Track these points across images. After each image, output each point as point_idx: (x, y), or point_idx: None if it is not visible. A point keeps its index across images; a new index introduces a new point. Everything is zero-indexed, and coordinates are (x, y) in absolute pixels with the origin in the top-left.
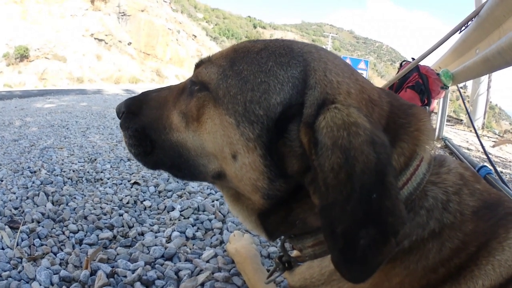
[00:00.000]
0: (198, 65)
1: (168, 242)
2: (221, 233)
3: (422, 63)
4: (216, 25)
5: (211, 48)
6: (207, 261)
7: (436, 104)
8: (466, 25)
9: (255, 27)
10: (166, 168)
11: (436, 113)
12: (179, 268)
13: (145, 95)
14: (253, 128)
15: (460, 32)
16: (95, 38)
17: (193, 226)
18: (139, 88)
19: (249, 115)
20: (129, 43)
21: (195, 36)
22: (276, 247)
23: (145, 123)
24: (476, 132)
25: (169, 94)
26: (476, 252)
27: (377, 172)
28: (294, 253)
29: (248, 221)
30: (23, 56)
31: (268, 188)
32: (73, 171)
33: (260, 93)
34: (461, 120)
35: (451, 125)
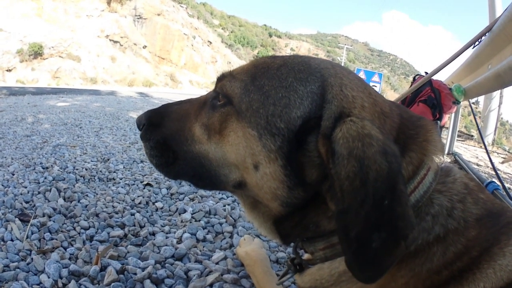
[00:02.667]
0: (220, 79)
1: (179, 243)
2: (231, 237)
3: (435, 77)
4: (231, 32)
5: (226, 55)
6: (217, 263)
7: (447, 119)
8: (479, 41)
9: (270, 36)
10: (187, 178)
11: (447, 128)
12: (189, 268)
13: (166, 107)
14: (274, 140)
15: (474, 47)
16: (110, 40)
17: (204, 229)
18: (153, 92)
19: (270, 128)
20: (144, 46)
21: (211, 43)
22: (285, 253)
23: (167, 134)
24: (485, 148)
25: (190, 107)
26: (478, 257)
27: (389, 180)
28: (305, 256)
29: (264, 227)
30: (37, 53)
31: (287, 196)
32: (86, 169)
33: (281, 107)
34: (472, 136)
35: (462, 141)
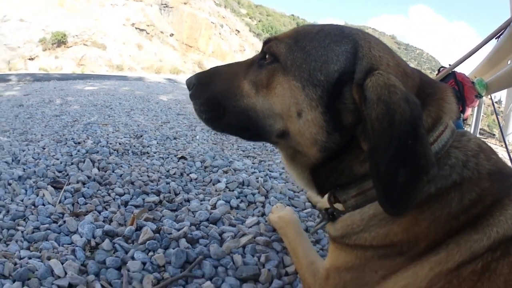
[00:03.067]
0: (266, 42)
1: (213, 209)
2: (263, 206)
3: (459, 71)
4: (259, 21)
5: (254, 44)
6: (250, 227)
7: (470, 113)
8: (499, 35)
9: (298, 26)
10: (234, 130)
11: (469, 124)
12: (223, 230)
13: (215, 69)
14: (315, 90)
15: (497, 38)
16: (136, 28)
17: (237, 198)
18: (181, 79)
19: (312, 80)
20: (171, 35)
21: (238, 31)
22: (314, 222)
23: (217, 92)
24: (506, 147)
25: (238, 68)
26: (491, 206)
27: (411, 123)
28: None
29: (301, 177)
30: (60, 41)
31: (326, 141)
32: (119, 144)
33: (321, 63)
34: (494, 134)
35: (484, 138)
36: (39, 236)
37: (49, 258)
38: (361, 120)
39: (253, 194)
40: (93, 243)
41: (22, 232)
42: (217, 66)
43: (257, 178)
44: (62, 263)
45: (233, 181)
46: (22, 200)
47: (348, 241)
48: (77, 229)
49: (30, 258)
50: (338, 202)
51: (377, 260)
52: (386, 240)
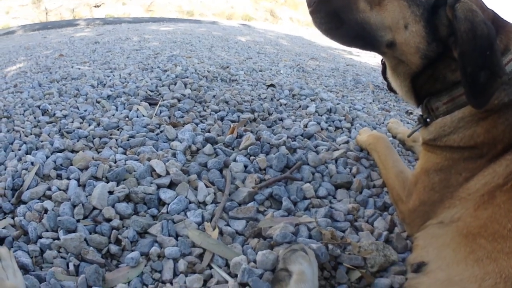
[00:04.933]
0: None
1: (305, 128)
2: (349, 131)
3: None
4: None
5: None
6: (340, 144)
7: None
8: None
9: None
10: (349, 39)
11: None
12: (317, 144)
13: None
14: (418, 8)
15: None
16: None
17: (325, 123)
18: (254, 25)
19: (416, 1)
20: None
21: None
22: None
23: (336, 7)
24: None
25: None
26: None
27: (488, 39)
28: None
29: (402, 85)
30: None
31: (426, 49)
32: (208, 71)
33: None
34: None
35: None
36: (136, 142)
37: (149, 159)
38: (453, 33)
39: (340, 121)
40: (193, 148)
41: (116, 140)
42: None
43: (343, 107)
44: (164, 163)
45: (321, 107)
46: (113, 115)
47: (439, 143)
48: (177, 136)
49: (127, 160)
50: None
51: (462, 162)
52: (471, 141)
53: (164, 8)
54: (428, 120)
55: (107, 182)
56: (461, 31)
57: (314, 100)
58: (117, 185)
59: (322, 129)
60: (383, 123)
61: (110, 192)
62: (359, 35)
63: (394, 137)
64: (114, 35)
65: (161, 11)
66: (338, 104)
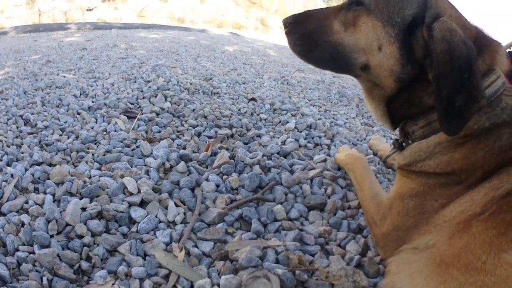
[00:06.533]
0: None
1: (283, 145)
2: (328, 149)
3: None
4: None
5: (318, 5)
6: (317, 163)
7: None
8: None
9: None
10: (323, 61)
11: None
12: (293, 163)
13: (309, 11)
14: (393, 29)
15: None
16: None
17: (304, 139)
18: (244, 33)
19: (391, 21)
20: None
21: None
22: (374, 167)
23: (311, 29)
24: None
25: (329, 11)
26: None
27: (467, 60)
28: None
29: (377, 109)
30: None
31: (400, 72)
32: (190, 83)
33: (398, 8)
34: None
35: None
36: (111, 158)
37: (122, 176)
38: (429, 54)
39: (320, 137)
40: (167, 165)
41: (93, 154)
42: (310, 10)
43: (323, 123)
44: (136, 181)
45: (301, 123)
46: (92, 128)
47: (414, 168)
48: (152, 152)
49: (101, 176)
50: (406, 136)
51: (438, 189)
52: (447, 168)
53: (156, 14)
54: (403, 144)
55: (81, 198)
56: (437, 52)
57: (295, 115)
58: (90, 202)
59: (300, 146)
60: (364, 139)
61: (83, 209)
62: (332, 58)
63: (375, 154)
64: (103, 42)
65: (153, 17)
66: (319, 119)
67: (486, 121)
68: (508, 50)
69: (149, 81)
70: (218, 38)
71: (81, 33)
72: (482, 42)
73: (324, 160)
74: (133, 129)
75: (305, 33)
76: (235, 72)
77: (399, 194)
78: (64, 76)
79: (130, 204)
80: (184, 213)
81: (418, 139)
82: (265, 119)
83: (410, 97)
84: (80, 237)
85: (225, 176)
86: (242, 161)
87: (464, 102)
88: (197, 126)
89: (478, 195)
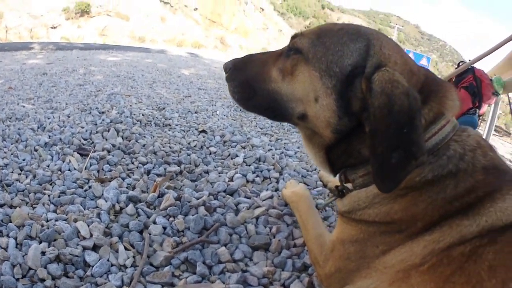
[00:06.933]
0: (293, 37)
1: (230, 182)
2: (277, 182)
3: (479, 67)
4: (284, 1)
5: (278, 23)
6: (264, 200)
7: (486, 109)
8: None
9: (323, 8)
10: (261, 110)
11: (485, 120)
12: (239, 201)
13: (249, 56)
14: (331, 80)
15: None
16: (160, 1)
17: (253, 173)
18: (202, 53)
19: (329, 71)
20: (195, 9)
21: (263, 9)
22: (323, 200)
23: (249, 76)
24: None
25: (268, 57)
26: (483, 197)
27: (408, 114)
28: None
29: (317, 156)
30: (83, 11)
31: (337, 124)
32: (142, 115)
33: (337, 57)
34: (510, 133)
35: (499, 136)
36: (66, 200)
37: (75, 221)
38: (367, 107)
39: (269, 170)
40: (117, 208)
41: (49, 196)
42: (251, 54)
43: (273, 155)
44: (88, 225)
45: (250, 157)
46: (48, 166)
47: (354, 216)
48: (102, 194)
49: (57, 220)
50: (348, 182)
51: (379, 236)
52: (387, 218)
53: (117, 33)
54: (344, 191)
55: (40, 242)
56: (374, 106)
57: (244, 147)
58: (49, 246)
59: (248, 181)
60: (315, 169)
61: (43, 253)
62: (270, 107)
63: (325, 185)
64: (63, 66)
65: (114, 36)
66: (270, 150)
67: (429, 173)
68: (451, 78)
69: (103, 112)
70: (176, 60)
71: (43, 55)
72: (430, 88)
73: (271, 197)
74: (85, 168)
75: (244, 80)
76: (188, 99)
77: (339, 239)
78: (24, 106)
79: (84, 248)
80: (134, 257)
81: (358, 188)
82: (214, 153)
83: (349, 148)
84: (42, 280)
85: (171, 218)
86: (189, 202)
87: (401, 159)
88: (147, 163)
89: (418, 246)
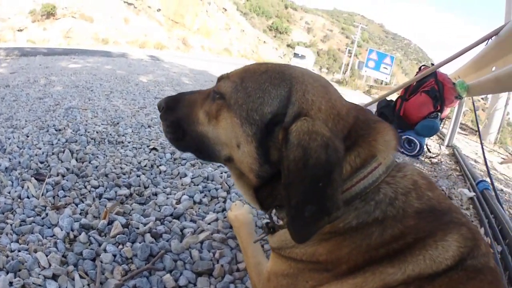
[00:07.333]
0: (219, 79)
1: (178, 204)
2: (224, 202)
3: (441, 70)
4: (247, 0)
5: (240, 23)
6: (209, 223)
7: (448, 112)
8: (486, 42)
9: (286, 7)
10: (192, 150)
11: (450, 118)
12: (184, 226)
13: (181, 95)
14: (251, 127)
15: (486, 44)
16: (124, 2)
17: (201, 193)
18: (164, 55)
19: (249, 119)
20: (158, 10)
21: (226, 10)
22: (268, 220)
23: (179, 117)
24: (481, 144)
25: (198, 97)
26: (413, 244)
27: (325, 168)
28: (280, 222)
29: (247, 194)
30: (49, 13)
31: (259, 170)
32: (97, 132)
33: (257, 104)
34: (477, 131)
35: (465, 135)
36: (26, 229)
37: (35, 251)
38: (282, 159)
39: (216, 189)
40: (71, 236)
41: (11, 225)
42: (183, 93)
43: (221, 173)
44: (47, 255)
45: (199, 176)
46: (9, 192)
47: (283, 253)
48: (58, 222)
49: (19, 250)
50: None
51: (308, 272)
52: (313, 258)
53: (82, 35)
54: (274, 228)
55: (7, 273)
56: (289, 159)
57: (194, 164)
58: (15, 277)
59: (195, 202)
60: None
61: (11, 283)
62: (199, 148)
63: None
64: (25, 76)
65: (79, 38)
66: (219, 166)
67: (353, 220)
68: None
69: (59, 130)
70: (136, 65)
71: (7, 63)
72: (359, 132)
73: (216, 219)
74: (42, 194)
75: (175, 121)
76: (143, 111)
77: (273, 271)
78: None
79: (45, 277)
80: (88, 284)
81: (286, 226)
82: (164, 171)
83: (274, 191)
84: None
85: (120, 246)
86: (137, 228)
87: (314, 213)
88: (99, 186)
89: (343, 287)
